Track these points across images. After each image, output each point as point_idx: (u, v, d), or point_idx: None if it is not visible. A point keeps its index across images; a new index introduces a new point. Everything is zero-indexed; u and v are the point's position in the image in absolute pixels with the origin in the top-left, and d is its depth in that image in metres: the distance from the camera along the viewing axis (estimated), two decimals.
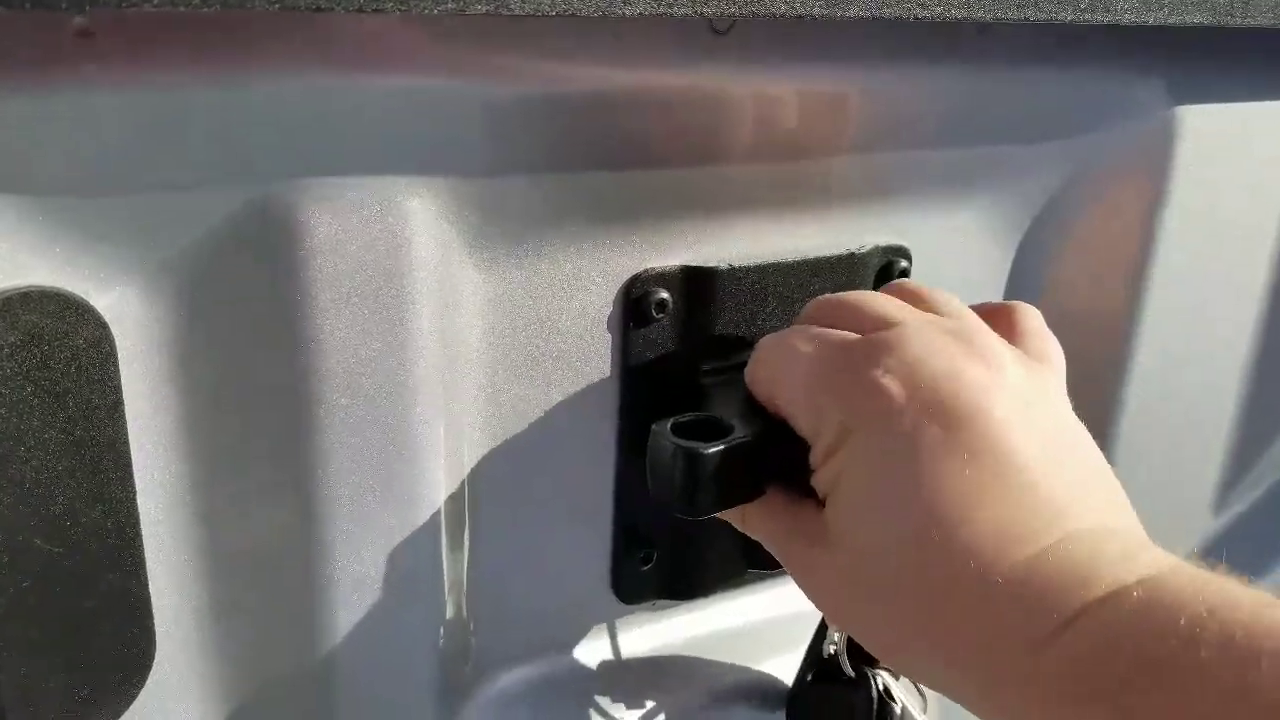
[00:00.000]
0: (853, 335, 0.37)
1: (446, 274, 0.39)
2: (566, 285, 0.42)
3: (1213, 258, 0.58)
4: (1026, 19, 0.41)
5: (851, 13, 0.37)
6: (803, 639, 0.49)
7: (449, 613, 0.45)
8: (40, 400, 0.33)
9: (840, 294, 0.40)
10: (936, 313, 0.39)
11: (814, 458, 0.37)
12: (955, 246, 0.52)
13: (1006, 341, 0.37)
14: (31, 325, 0.32)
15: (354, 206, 0.36)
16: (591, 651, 0.50)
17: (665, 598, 0.50)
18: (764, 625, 0.54)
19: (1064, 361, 0.39)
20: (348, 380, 0.38)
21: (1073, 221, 0.54)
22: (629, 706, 0.50)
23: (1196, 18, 0.45)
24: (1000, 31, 0.45)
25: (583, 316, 0.43)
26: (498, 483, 0.44)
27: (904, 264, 0.49)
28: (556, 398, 0.44)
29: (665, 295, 0.44)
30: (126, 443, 0.35)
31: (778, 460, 0.39)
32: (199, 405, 0.37)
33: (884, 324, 0.37)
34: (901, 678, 0.47)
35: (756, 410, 0.40)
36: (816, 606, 0.39)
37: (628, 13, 0.34)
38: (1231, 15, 0.46)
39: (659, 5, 0.34)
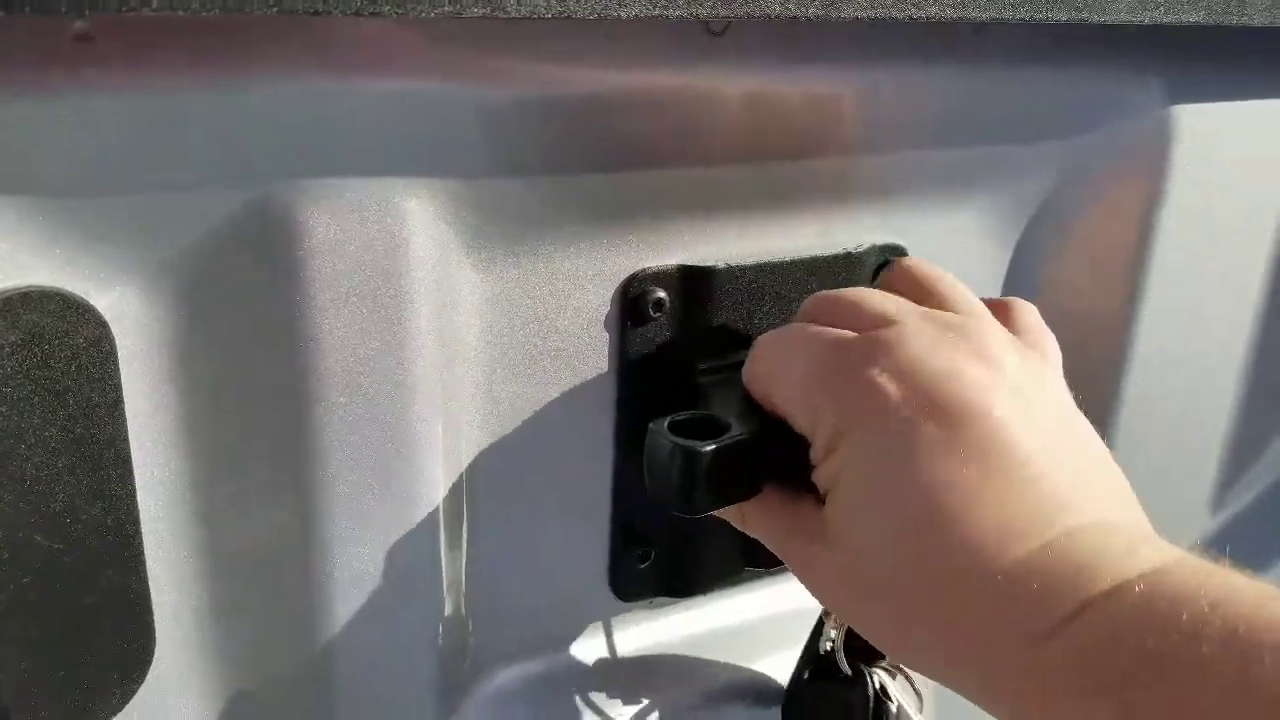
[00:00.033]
0: (849, 334, 0.37)
1: (444, 274, 0.39)
2: (564, 285, 0.42)
3: (1210, 257, 0.58)
4: (1022, 19, 0.41)
5: (846, 14, 0.37)
6: (800, 636, 0.49)
7: (447, 610, 0.45)
8: (41, 399, 0.33)
9: (837, 291, 0.40)
10: (942, 303, 0.38)
11: (813, 455, 0.37)
12: (953, 246, 0.51)
13: (1008, 331, 0.37)
14: (32, 324, 0.32)
15: (352, 207, 0.36)
16: (589, 649, 0.50)
17: (663, 595, 0.50)
18: (761, 623, 0.54)
19: (1060, 357, 0.39)
20: (346, 379, 0.38)
21: (1070, 221, 0.54)
22: (626, 704, 0.50)
23: (1192, 17, 0.45)
24: (996, 31, 0.45)
25: (580, 315, 0.43)
26: (496, 481, 0.44)
27: None
28: (554, 396, 0.44)
29: (662, 294, 0.44)
30: (126, 441, 0.35)
31: (775, 458, 0.39)
32: (198, 404, 0.37)
33: (882, 321, 0.37)
34: (898, 676, 0.47)
35: (754, 409, 0.40)
36: (821, 602, 0.39)
37: (623, 14, 0.34)
38: (1227, 14, 0.46)
39: (654, 7, 0.34)
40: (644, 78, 0.40)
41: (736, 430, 0.38)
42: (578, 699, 0.49)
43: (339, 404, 0.38)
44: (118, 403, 0.34)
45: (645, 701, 0.50)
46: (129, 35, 0.32)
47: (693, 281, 0.44)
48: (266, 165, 0.35)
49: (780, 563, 0.39)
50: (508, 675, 0.48)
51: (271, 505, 0.39)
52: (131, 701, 0.38)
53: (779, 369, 0.38)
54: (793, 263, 0.46)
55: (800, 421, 0.37)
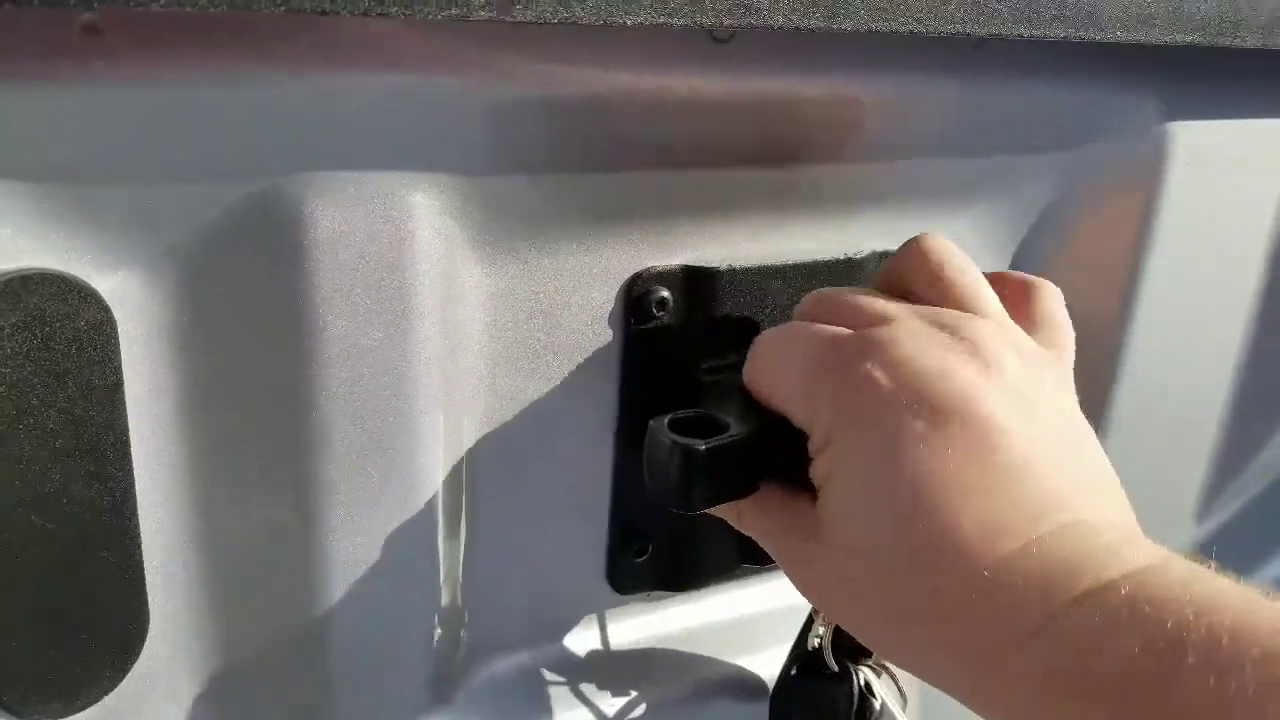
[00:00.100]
0: (846, 331, 0.36)
1: (449, 268, 0.38)
2: (568, 282, 0.41)
3: (1203, 271, 0.57)
4: (1021, 35, 0.40)
5: (849, 25, 0.36)
6: (794, 632, 0.48)
7: (444, 600, 0.44)
8: (41, 380, 0.32)
9: (837, 289, 0.39)
10: (949, 288, 0.37)
11: (810, 450, 0.36)
12: None
13: (1013, 330, 0.36)
14: (34, 306, 0.31)
15: (358, 200, 0.35)
16: (584, 641, 0.49)
17: (659, 589, 0.49)
18: (757, 618, 0.53)
19: (1073, 348, 0.38)
20: (348, 370, 0.37)
21: (1066, 232, 0.53)
22: (617, 696, 0.49)
23: (1188, 38, 0.44)
24: (997, 46, 0.44)
25: (584, 313, 0.42)
26: (496, 474, 0.43)
27: None
28: (556, 392, 0.43)
29: (666, 294, 0.43)
30: (125, 425, 0.34)
31: (773, 457, 0.38)
32: (198, 390, 0.36)
33: (879, 320, 0.36)
34: (883, 674, 0.46)
35: (753, 407, 0.39)
36: (810, 602, 0.38)
37: (628, 21, 0.33)
38: (1222, 36, 0.45)
39: (659, 15, 0.33)
40: (650, 81, 0.39)
41: (735, 429, 0.38)
42: (570, 690, 0.48)
43: (340, 394, 0.37)
44: (118, 386, 0.33)
45: (635, 694, 0.49)
46: (137, 28, 0.31)
47: (696, 282, 0.43)
48: (273, 158, 0.34)
49: None
50: (503, 665, 0.47)
51: (269, 492, 0.38)
52: (124, 681, 0.37)
53: (777, 366, 0.37)
54: (794, 266, 0.45)
55: (799, 417, 0.36)
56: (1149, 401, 0.58)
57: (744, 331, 0.45)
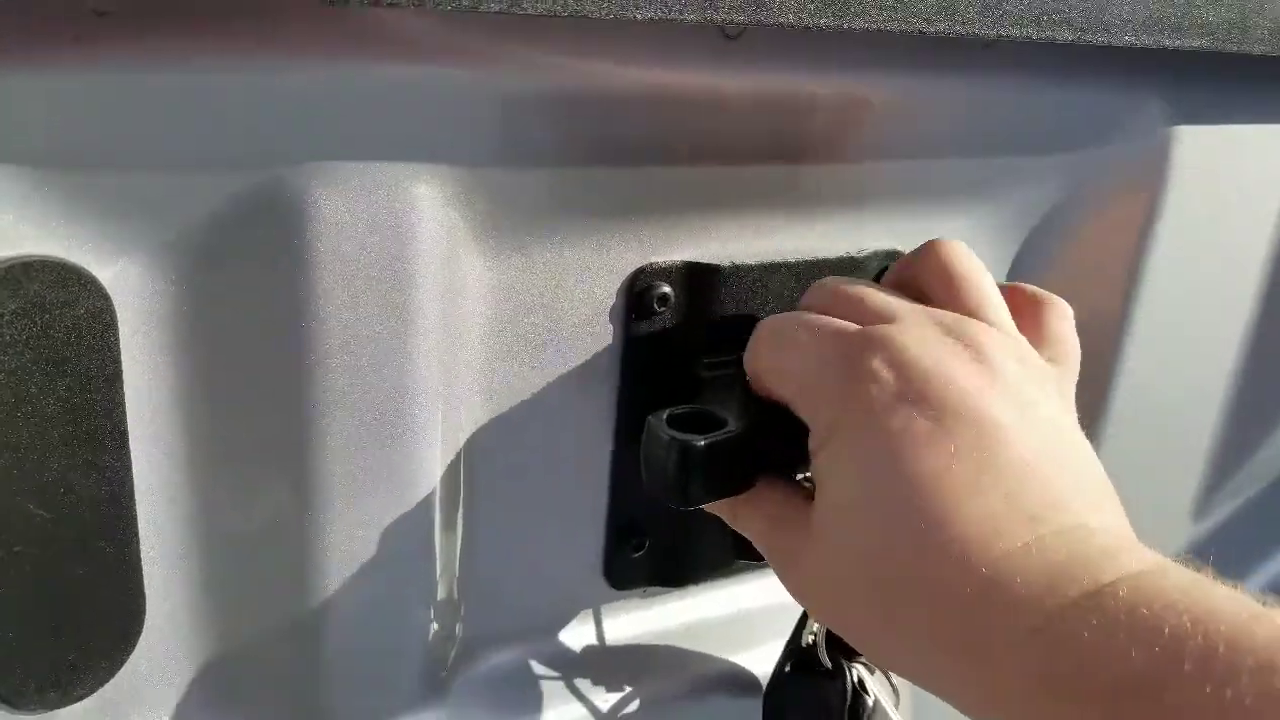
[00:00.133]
0: (849, 326, 0.36)
1: (451, 259, 0.38)
2: (570, 276, 0.41)
3: (1204, 274, 0.57)
4: (1030, 37, 0.40)
5: (858, 25, 0.36)
6: (789, 628, 0.48)
7: (440, 593, 0.44)
8: (40, 368, 0.32)
9: (843, 281, 0.39)
10: (958, 294, 0.37)
11: (811, 444, 0.35)
12: None
13: (1018, 340, 0.36)
14: (34, 294, 0.31)
15: (362, 190, 0.35)
16: (580, 636, 0.49)
17: (656, 585, 0.49)
18: (752, 614, 0.53)
19: (1077, 367, 0.38)
20: (348, 360, 0.37)
21: (1069, 234, 0.53)
22: (612, 691, 0.49)
23: (1195, 43, 0.44)
24: (1005, 47, 0.44)
25: (585, 307, 0.42)
26: (493, 467, 0.43)
27: None
28: (556, 386, 0.43)
29: (667, 290, 0.43)
30: (124, 414, 0.34)
31: (770, 453, 0.38)
32: (197, 380, 0.36)
33: (883, 317, 0.35)
34: (876, 671, 0.46)
35: (752, 403, 0.39)
36: (800, 601, 0.37)
37: (638, 16, 0.32)
38: (1229, 41, 0.45)
39: (670, 11, 0.33)
40: (658, 76, 0.38)
41: (733, 426, 0.38)
42: (565, 685, 0.48)
43: (339, 385, 0.37)
44: (116, 375, 0.33)
45: (631, 689, 0.49)
46: (144, 13, 0.30)
47: (698, 278, 0.43)
48: (276, 147, 0.34)
49: None
50: (499, 659, 0.47)
51: (267, 483, 0.38)
52: (121, 671, 0.37)
53: (779, 357, 0.37)
54: (797, 264, 0.45)
55: (800, 409, 0.36)
56: (1148, 402, 0.58)
57: (745, 329, 0.45)
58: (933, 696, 0.33)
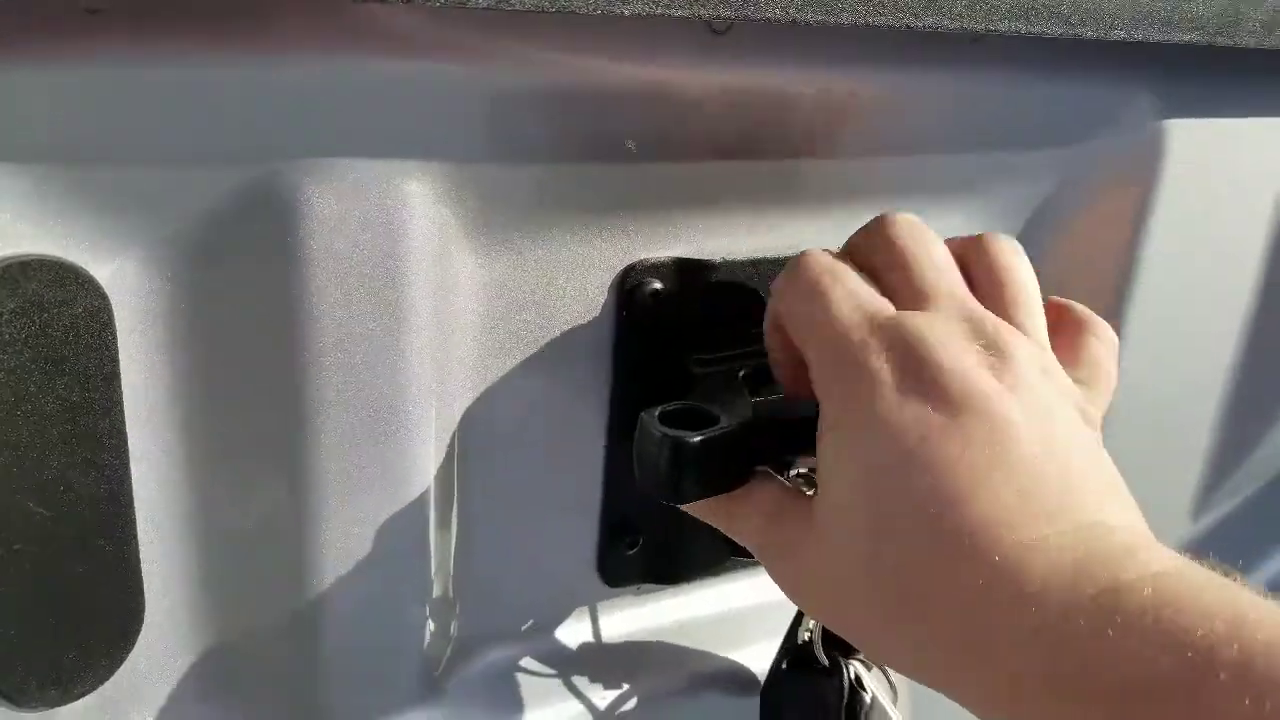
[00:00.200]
0: (884, 308, 0.35)
1: (443, 257, 0.39)
2: (561, 273, 0.42)
3: (1197, 269, 0.58)
4: (1018, 31, 0.40)
5: (845, 19, 0.37)
6: (784, 626, 0.48)
7: (435, 591, 0.45)
8: (38, 367, 0.32)
9: (904, 234, 0.37)
10: (1000, 299, 0.37)
11: (820, 426, 0.35)
12: None
13: (1049, 356, 0.36)
14: (32, 293, 0.32)
15: (354, 187, 0.36)
16: (575, 633, 0.50)
17: (650, 582, 0.50)
18: (747, 611, 0.53)
19: (1109, 393, 0.38)
20: (342, 358, 0.37)
21: (1061, 228, 0.54)
22: (609, 688, 0.49)
23: (1186, 37, 0.44)
24: (994, 41, 0.44)
25: (577, 304, 0.43)
26: (487, 465, 0.44)
27: None
28: (548, 382, 0.43)
29: (659, 285, 0.43)
30: (121, 412, 0.34)
31: (764, 450, 0.38)
32: (194, 377, 0.36)
33: (923, 297, 0.35)
34: (873, 667, 0.46)
35: (744, 401, 0.40)
36: (796, 599, 0.37)
37: (625, 12, 0.33)
38: (1220, 35, 0.45)
39: (656, 6, 0.33)
40: (648, 72, 0.39)
41: (726, 422, 0.38)
42: (561, 682, 0.49)
43: (332, 382, 0.38)
44: (114, 373, 0.34)
45: (628, 686, 0.50)
46: (138, 9, 0.31)
47: (689, 274, 0.44)
48: (269, 143, 0.34)
49: None
50: (493, 657, 0.47)
51: (264, 481, 0.39)
52: (120, 669, 0.37)
53: (808, 309, 0.36)
54: (787, 260, 0.45)
55: (814, 376, 0.36)
56: (1143, 400, 0.59)
57: (737, 324, 0.45)
58: (931, 693, 0.33)
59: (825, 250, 0.38)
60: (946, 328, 0.34)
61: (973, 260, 0.38)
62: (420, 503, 0.42)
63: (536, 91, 0.38)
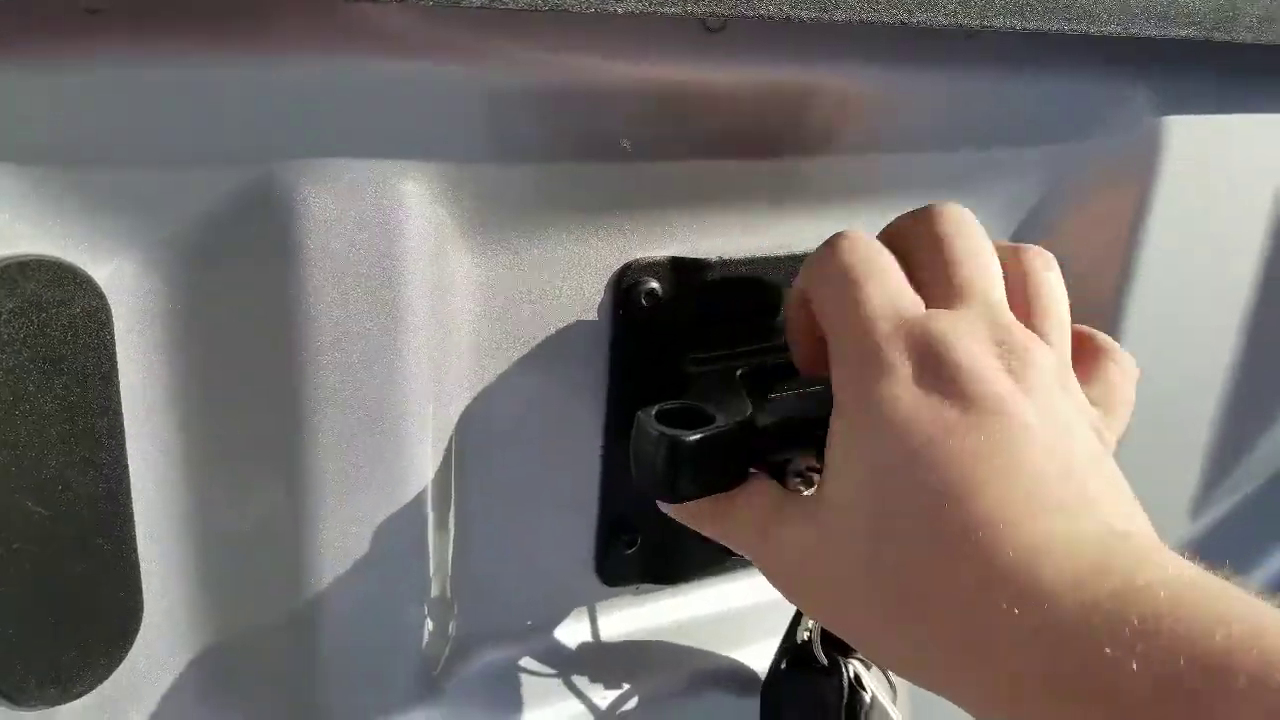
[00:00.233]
0: (913, 308, 0.35)
1: (439, 256, 0.39)
2: (558, 272, 0.42)
3: (1195, 266, 0.58)
4: (1013, 27, 0.40)
5: (839, 16, 0.37)
6: (783, 625, 0.48)
7: (433, 591, 0.45)
8: (37, 366, 0.33)
9: (949, 230, 0.37)
10: (1032, 313, 0.37)
11: (834, 416, 0.35)
12: None
13: (1068, 369, 0.36)
14: (30, 293, 0.32)
15: (351, 187, 0.36)
16: (573, 633, 0.50)
17: (648, 582, 0.50)
18: (745, 611, 0.53)
19: (1124, 422, 0.38)
20: (338, 358, 0.38)
21: (1058, 226, 0.54)
22: (609, 688, 0.50)
23: (1182, 32, 0.44)
24: (989, 38, 0.45)
25: (573, 303, 0.43)
26: (484, 464, 0.44)
27: None
28: (545, 382, 0.44)
29: (655, 285, 0.43)
30: (120, 411, 0.35)
31: (761, 449, 0.39)
32: (192, 378, 0.37)
33: (956, 295, 0.35)
34: (873, 667, 0.47)
35: (741, 400, 0.40)
36: (794, 598, 0.37)
37: (619, 10, 0.33)
38: (1216, 30, 0.46)
39: (651, 4, 0.34)
40: (642, 70, 0.39)
41: (722, 420, 0.38)
42: (559, 682, 0.49)
43: (329, 382, 0.38)
44: (112, 373, 0.34)
45: (627, 686, 0.50)
46: (136, 9, 0.31)
47: (685, 273, 0.44)
48: (266, 144, 0.35)
49: None
50: (492, 657, 0.48)
51: (262, 481, 0.39)
52: (119, 668, 0.38)
53: (838, 296, 0.36)
54: (784, 258, 0.46)
55: (833, 361, 0.36)
56: (1142, 399, 0.58)
57: (733, 323, 0.46)
58: (930, 693, 0.33)
59: (864, 235, 0.38)
60: (971, 328, 0.34)
61: (1008, 269, 0.38)
62: (418, 502, 0.42)
63: (531, 91, 0.38)
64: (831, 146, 0.45)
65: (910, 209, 0.37)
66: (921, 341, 0.34)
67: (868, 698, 0.47)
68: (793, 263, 0.46)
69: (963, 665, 0.30)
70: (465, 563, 0.45)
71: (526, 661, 0.48)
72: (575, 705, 0.49)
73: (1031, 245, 0.39)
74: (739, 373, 0.44)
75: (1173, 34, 0.44)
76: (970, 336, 0.34)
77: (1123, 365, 0.39)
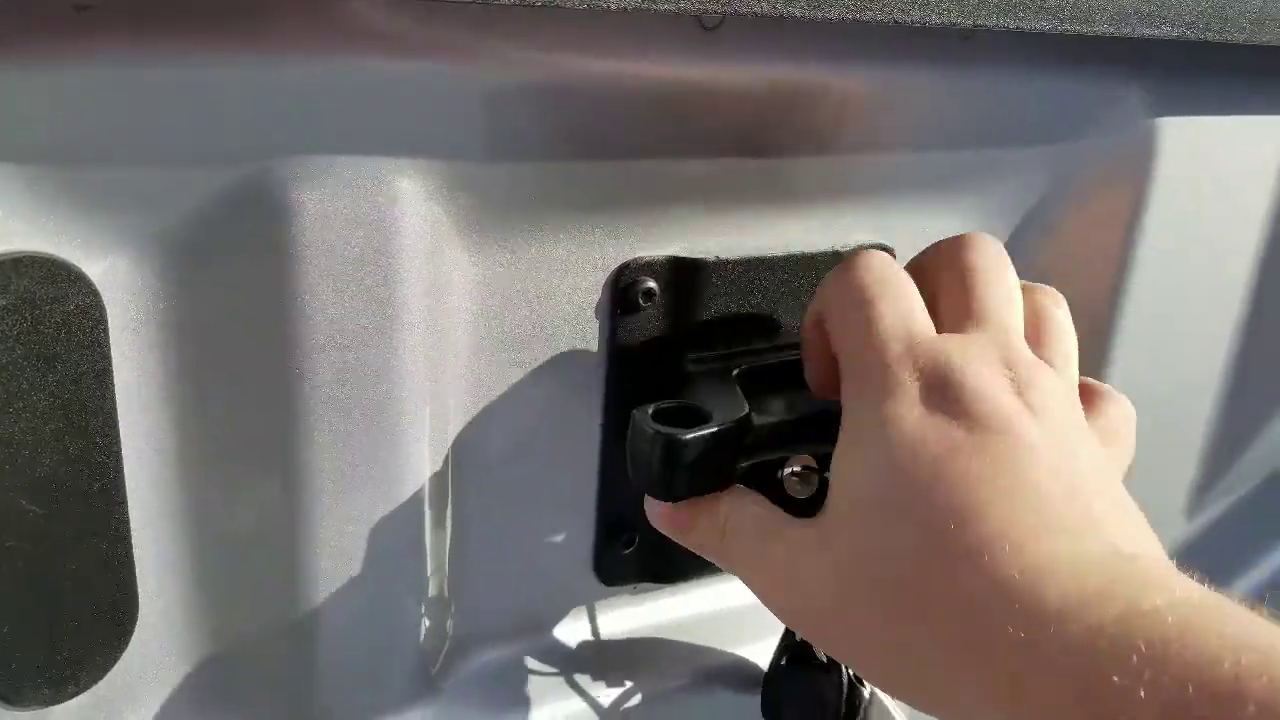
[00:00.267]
0: (926, 334, 0.35)
1: (435, 255, 0.39)
2: (555, 271, 0.42)
3: (1191, 266, 0.58)
4: (1008, 27, 0.40)
5: (835, 14, 0.37)
6: (780, 623, 0.48)
7: (431, 591, 0.45)
8: (30, 364, 0.32)
9: (975, 259, 0.37)
10: (1044, 344, 0.37)
11: (841, 431, 0.35)
12: None
13: (1076, 398, 0.36)
14: (24, 290, 0.32)
15: (346, 185, 0.36)
16: (571, 632, 0.50)
17: (646, 581, 0.50)
18: (743, 610, 0.53)
19: (1127, 460, 0.38)
20: (334, 357, 0.38)
21: (1054, 226, 0.54)
22: (609, 687, 0.49)
23: (1176, 32, 0.45)
24: (984, 38, 0.45)
25: (570, 302, 0.43)
26: (482, 464, 0.44)
27: None
28: (542, 381, 0.44)
29: (652, 284, 0.43)
30: (114, 409, 0.35)
31: (757, 449, 0.39)
32: (186, 376, 0.36)
33: (973, 320, 0.36)
34: None
35: (738, 399, 0.40)
36: (784, 615, 0.36)
37: (613, 6, 0.33)
38: (1209, 31, 0.46)
39: (646, 1, 0.34)
40: (639, 68, 0.39)
41: (719, 420, 0.38)
42: (557, 681, 0.49)
43: (325, 381, 0.38)
44: (106, 371, 0.34)
45: (628, 684, 0.50)
46: (129, 7, 0.31)
47: (682, 273, 0.44)
48: (261, 141, 0.34)
49: None
50: (490, 656, 0.48)
51: (257, 480, 0.39)
52: (114, 668, 0.37)
53: (854, 318, 0.36)
54: (781, 258, 0.46)
55: (844, 379, 0.36)
56: (1138, 400, 0.58)
57: (731, 323, 0.46)
58: None
59: (880, 254, 0.38)
60: (982, 352, 0.34)
61: (1031, 305, 0.38)
62: (415, 501, 0.42)
63: (527, 89, 0.38)
64: (827, 146, 0.45)
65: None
66: (931, 362, 0.34)
67: (867, 694, 0.47)
68: (790, 262, 0.46)
69: (962, 684, 0.30)
70: (462, 562, 0.45)
71: (524, 661, 0.48)
72: (573, 704, 0.48)
73: (1042, 284, 0.40)
74: (735, 372, 0.44)
75: (1166, 34, 0.44)
76: (980, 360, 0.34)
77: (1121, 407, 0.39)
